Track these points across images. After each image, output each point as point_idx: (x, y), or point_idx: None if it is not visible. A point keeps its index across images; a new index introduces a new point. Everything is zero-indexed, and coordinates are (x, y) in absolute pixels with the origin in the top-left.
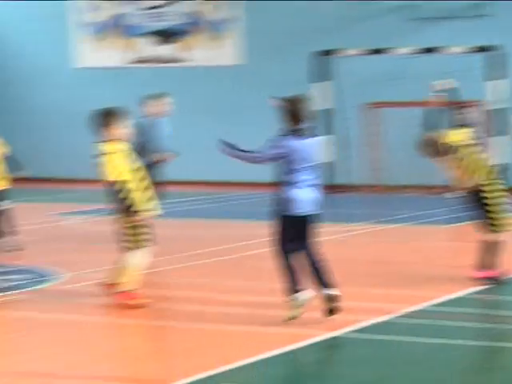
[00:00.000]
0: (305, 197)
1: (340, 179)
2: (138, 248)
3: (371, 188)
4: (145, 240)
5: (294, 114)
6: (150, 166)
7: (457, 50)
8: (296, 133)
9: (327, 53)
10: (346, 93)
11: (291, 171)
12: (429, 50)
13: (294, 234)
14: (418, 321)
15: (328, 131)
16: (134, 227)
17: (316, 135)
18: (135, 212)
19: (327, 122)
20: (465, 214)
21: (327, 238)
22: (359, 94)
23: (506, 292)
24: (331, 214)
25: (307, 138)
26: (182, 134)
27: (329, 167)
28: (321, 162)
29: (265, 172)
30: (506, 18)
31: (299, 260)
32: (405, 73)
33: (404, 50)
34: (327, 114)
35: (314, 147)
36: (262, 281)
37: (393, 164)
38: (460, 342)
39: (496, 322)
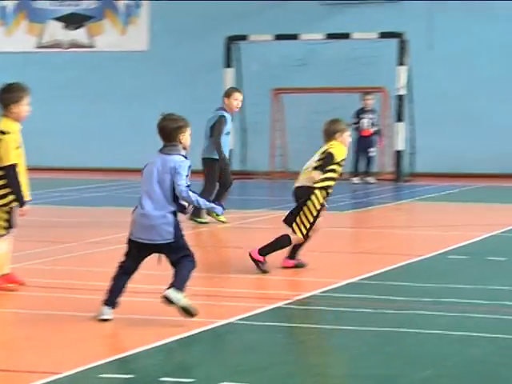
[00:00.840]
0: None
1: (242, 166)
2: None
3: (275, 174)
4: (7, 227)
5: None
6: None
7: (366, 36)
8: None
9: (237, 38)
10: (254, 78)
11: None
12: (338, 36)
13: None
14: (312, 307)
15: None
16: (7, 213)
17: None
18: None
19: None
20: (368, 199)
21: (225, 225)
22: (267, 79)
23: (399, 278)
24: (232, 201)
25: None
26: (88, 120)
27: (233, 154)
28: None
29: None
30: (409, 4)
31: None
32: (314, 59)
33: (314, 36)
34: None
35: None
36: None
37: (296, 150)
38: (355, 327)
39: (389, 308)
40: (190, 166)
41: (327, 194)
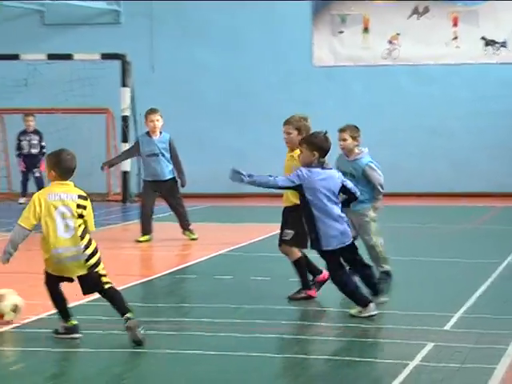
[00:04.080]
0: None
1: None
2: None
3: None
4: None
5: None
6: None
7: (88, 57)
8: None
9: None
10: None
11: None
12: (60, 57)
13: None
14: (42, 330)
15: None
16: None
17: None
18: None
19: None
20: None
21: None
22: None
23: (128, 299)
24: None
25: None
26: None
27: None
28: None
29: None
30: (130, 26)
31: None
32: (37, 79)
33: (35, 56)
34: None
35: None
36: None
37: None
38: (85, 349)
39: (117, 329)
40: None
41: None
